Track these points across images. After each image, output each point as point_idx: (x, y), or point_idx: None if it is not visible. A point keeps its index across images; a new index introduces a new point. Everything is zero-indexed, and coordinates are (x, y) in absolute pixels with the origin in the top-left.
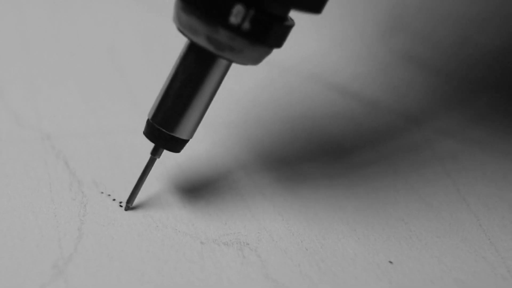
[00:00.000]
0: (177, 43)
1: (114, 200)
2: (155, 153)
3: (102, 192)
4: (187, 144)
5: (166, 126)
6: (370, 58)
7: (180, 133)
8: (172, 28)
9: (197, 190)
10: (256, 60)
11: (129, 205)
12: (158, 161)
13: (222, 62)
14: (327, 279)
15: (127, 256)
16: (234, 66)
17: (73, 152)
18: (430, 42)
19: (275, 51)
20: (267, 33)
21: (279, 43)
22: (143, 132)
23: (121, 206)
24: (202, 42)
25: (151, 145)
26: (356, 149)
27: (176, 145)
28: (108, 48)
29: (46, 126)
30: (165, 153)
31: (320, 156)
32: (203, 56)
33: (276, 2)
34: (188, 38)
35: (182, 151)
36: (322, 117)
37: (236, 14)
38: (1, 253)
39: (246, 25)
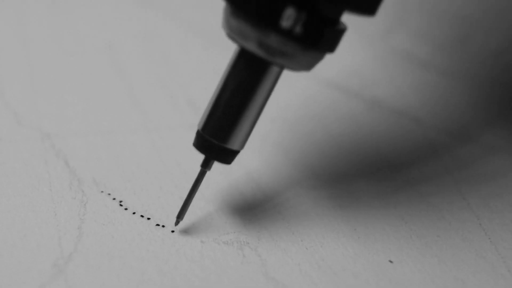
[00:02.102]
0: (177, 42)
1: (114, 199)
2: (206, 166)
3: (102, 191)
4: (184, 144)
5: (217, 137)
6: (371, 57)
7: (232, 144)
8: (172, 27)
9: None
10: (308, 66)
11: (180, 220)
12: (158, 160)
13: (274, 69)
14: (327, 278)
15: (127, 255)
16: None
17: (73, 151)
18: (431, 40)
19: None
20: (320, 37)
21: (332, 47)
22: (193, 143)
23: (121, 205)
24: (252, 47)
25: (152, 145)
26: (356, 148)
27: (227, 156)
28: (107, 47)
29: (46, 125)
30: (161, 151)
31: (320, 155)
32: (254, 63)
33: (329, 4)
34: (238, 44)
35: (184, 150)
36: (322, 116)
37: (288, 18)
38: (1, 252)
39: (298, 29)
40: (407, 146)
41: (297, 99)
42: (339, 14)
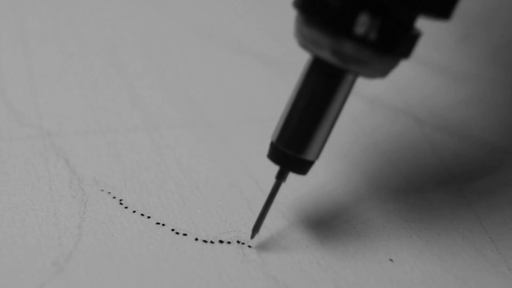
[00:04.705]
0: (177, 41)
1: (114, 197)
2: (281, 177)
3: (102, 190)
4: (185, 142)
5: (293, 148)
6: None
7: (307, 154)
8: (172, 25)
9: (197, 187)
10: (383, 72)
11: (256, 233)
12: (158, 159)
13: (348, 77)
14: (327, 277)
15: (127, 254)
16: (229, 61)
17: (73, 149)
18: (432, 39)
19: (273, 49)
20: (395, 43)
21: (407, 53)
22: (267, 155)
23: (121, 204)
24: (326, 56)
25: (152, 143)
26: (356, 147)
27: (303, 167)
28: (108, 45)
29: (46, 124)
30: (161, 150)
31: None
32: (328, 72)
33: (403, 8)
34: (312, 53)
35: (184, 149)
36: None
37: (362, 24)
38: (1, 251)
39: (373, 35)
40: (407, 145)
41: None
42: (413, 19)
